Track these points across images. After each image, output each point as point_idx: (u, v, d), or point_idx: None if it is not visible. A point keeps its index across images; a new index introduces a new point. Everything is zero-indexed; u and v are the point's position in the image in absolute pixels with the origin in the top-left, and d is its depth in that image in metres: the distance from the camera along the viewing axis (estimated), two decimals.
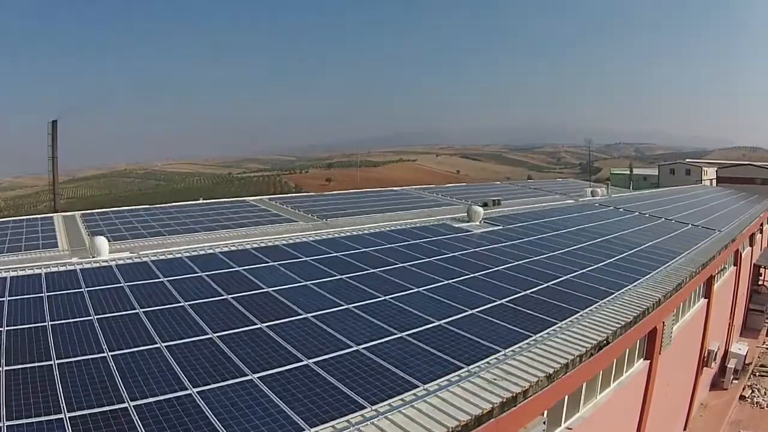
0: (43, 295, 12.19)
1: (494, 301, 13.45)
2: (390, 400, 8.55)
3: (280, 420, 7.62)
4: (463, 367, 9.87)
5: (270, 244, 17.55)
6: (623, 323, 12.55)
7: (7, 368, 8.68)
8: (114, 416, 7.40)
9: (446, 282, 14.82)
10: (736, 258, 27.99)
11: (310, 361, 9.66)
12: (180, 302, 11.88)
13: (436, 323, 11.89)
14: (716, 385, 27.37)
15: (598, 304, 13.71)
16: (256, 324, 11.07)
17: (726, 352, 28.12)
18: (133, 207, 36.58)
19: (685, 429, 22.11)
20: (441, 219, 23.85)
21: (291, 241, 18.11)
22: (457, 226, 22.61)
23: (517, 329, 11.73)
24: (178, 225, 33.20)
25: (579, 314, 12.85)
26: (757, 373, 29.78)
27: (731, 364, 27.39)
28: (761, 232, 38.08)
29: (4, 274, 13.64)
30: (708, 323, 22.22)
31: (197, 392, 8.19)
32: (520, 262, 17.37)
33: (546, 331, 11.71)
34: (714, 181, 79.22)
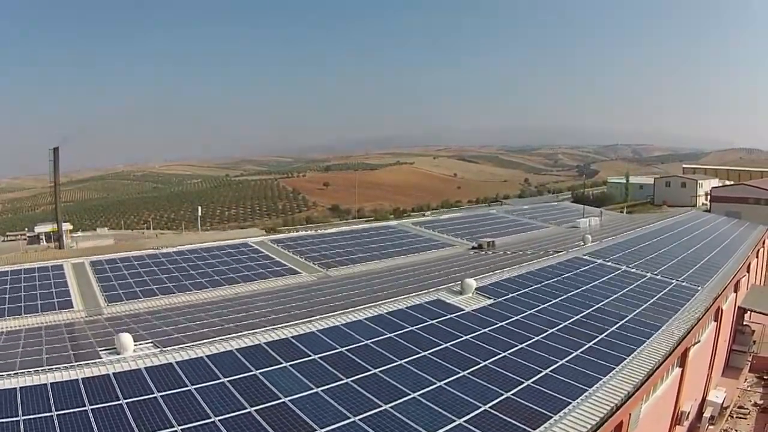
0: (87, 408, 14.69)
1: (479, 408, 16.22)
2: None
3: None
4: None
5: (281, 337, 20.13)
6: (590, 426, 15.32)
7: None
8: None
9: (438, 384, 17.58)
10: (717, 315, 30.75)
11: None
12: (211, 417, 14.58)
13: None
14: (692, 430, 29.47)
15: (571, 405, 16.53)
16: None
17: (704, 400, 30.74)
18: (139, 253, 38.99)
19: None
20: (436, 294, 26.38)
21: (299, 333, 20.66)
22: (450, 302, 25.27)
23: None
24: (184, 276, 35.79)
25: (551, 420, 15.61)
26: (735, 415, 32.35)
27: (707, 413, 30.07)
28: (749, 270, 40.62)
29: (43, 378, 16.13)
30: (681, 390, 24.85)
31: None
32: (506, 353, 20.14)
33: None
34: (709, 197, 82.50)
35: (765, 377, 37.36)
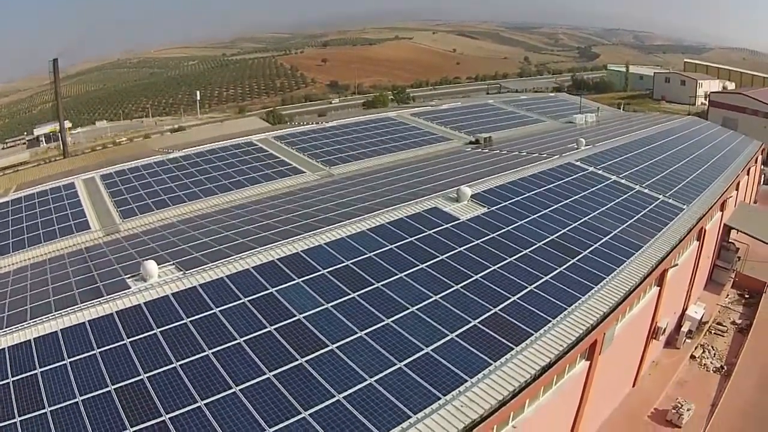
0: (126, 342, 16.65)
1: (469, 323, 18.50)
2: (394, 430, 13.73)
3: None
4: (440, 398, 15.13)
5: (292, 251, 21.98)
6: (567, 344, 17.70)
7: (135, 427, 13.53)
8: None
9: (434, 299, 19.77)
10: (700, 235, 31.62)
11: (341, 396, 14.83)
12: (236, 339, 16.79)
13: (425, 350, 17.03)
14: (671, 343, 31.23)
15: (550, 323, 18.82)
16: (298, 359, 16.14)
17: (683, 313, 32.30)
18: (147, 161, 39.85)
19: (633, 386, 27.55)
20: (434, 201, 27.86)
21: (308, 246, 22.47)
22: (446, 211, 26.89)
23: (483, 356, 16.95)
24: (192, 183, 37.17)
25: (533, 337, 17.99)
26: (713, 331, 33.57)
27: (685, 328, 31.55)
28: (737, 189, 41.22)
29: (80, 316, 17.82)
30: (658, 308, 26.89)
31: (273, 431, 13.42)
32: (496, 267, 22.18)
33: (504, 357, 16.90)
34: (707, 101, 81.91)
35: (746, 296, 37.94)
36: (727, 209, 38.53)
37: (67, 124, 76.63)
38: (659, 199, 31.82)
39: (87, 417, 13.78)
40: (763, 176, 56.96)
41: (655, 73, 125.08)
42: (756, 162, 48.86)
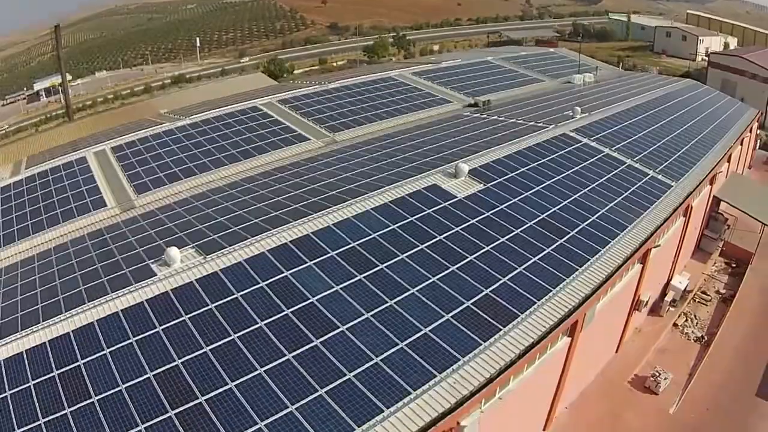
0: (158, 330, 18.71)
1: (463, 304, 20.76)
2: (395, 405, 16.15)
3: (332, 417, 15.47)
4: (436, 375, 17.51)
5: (302, 233, 23.97)
6: (549, 326, 19.95)
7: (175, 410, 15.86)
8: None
9: (432, 280, 21.91)
10: (686, 211, 32.98)
11: (351, 374, 17.18)
12: (258, 322, 19.04)
13: (424, 331, 19.33)
14: (655, 310, 32.58)
15: (536, 305, 21.05)
16: (313, 341, 18.47)
17: (668, 283, 33.82)
18: (156, 130, 40.99)
19: (616, 351, 29.90)
20: (433, 177, 29.56)
21: (317, 227, 24.43)
22: (444, 188, 28.70)
23: (474, 336, 19.27)
24: (202, 153, 38.75)
25: (519, 318, 20.26)
26: (697, 300, 34.70)
27: (669, 297, 32.88)
28: (729, 160, 41.95)
29: (113, 305, 19.62)
30: (641, 284, 28.74)
31: (295, 408, 15.73)
32: (489, 247, 24.23)
33: (493, 338, 19.19)
34: (707, 61, 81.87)
35: (733, 265, 39.02)
36: (718, 181, 39.38)
37: (68, 77, 76.87)
38: (648, 175, 33.34)
39: (132, 403, 15.94)
40: (759, 141, 57.80)
41: (656, 26, 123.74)
42: (750, 131, 49.09)
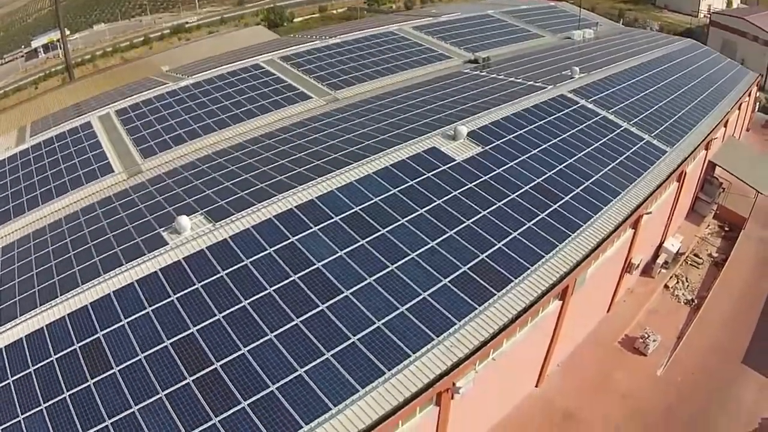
0: (173, 298, 19.69)
1: (460, 269, 21.80)
2: (397, 367, 17.39)
3: (338, 379, 16.70)
4: (434, 339, 18.73)
5: (307, 198, 24.73)
6: (541, 291, 21.05)
7: (193, 376, 17.06)
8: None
9: (431, 245, 22.89)
10: (680, 177, 33.20)
11: (355, 338, 18.41)
12: (267, 288, 20.11)
13: (423, 295, 20.48)
14: (647, 271, 32.90)
15: (528, 270, 22.08)
16: (319, 306, 19.63)
17: (660, 245, 33.98)
18: (159, 91, 41.20)
19: (608, 311, 30.90)
20: (433, 140, 30.09)
21: (321, 192, 25.18)
22: (443, 150, 29.31)
23: (470, 301, 20.41)
24: (205, 114, 39.14)
25: (512, 283, 21.33)
26: (689, 262, 34.88)
27: (661, 259, 33.09)
28: (726, 126, 41.62)
29: (128, 275, 20.46)
30: (632, 248, 29.44)
31: (304, 371, 16.99)
32: (485, 212, 25.10)
33: (487, 302, 20.33)
34: (709, 16, 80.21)
35: (726, 228, 38.99)
36: (714, 146, 39.39)
37: (66, 32, 75.82)
38: (644, 139, 33.58)
39: (151, 372, 17.04)
40: (757, 104, 57.35)
41: None
42: (749, 95, 48.35)
